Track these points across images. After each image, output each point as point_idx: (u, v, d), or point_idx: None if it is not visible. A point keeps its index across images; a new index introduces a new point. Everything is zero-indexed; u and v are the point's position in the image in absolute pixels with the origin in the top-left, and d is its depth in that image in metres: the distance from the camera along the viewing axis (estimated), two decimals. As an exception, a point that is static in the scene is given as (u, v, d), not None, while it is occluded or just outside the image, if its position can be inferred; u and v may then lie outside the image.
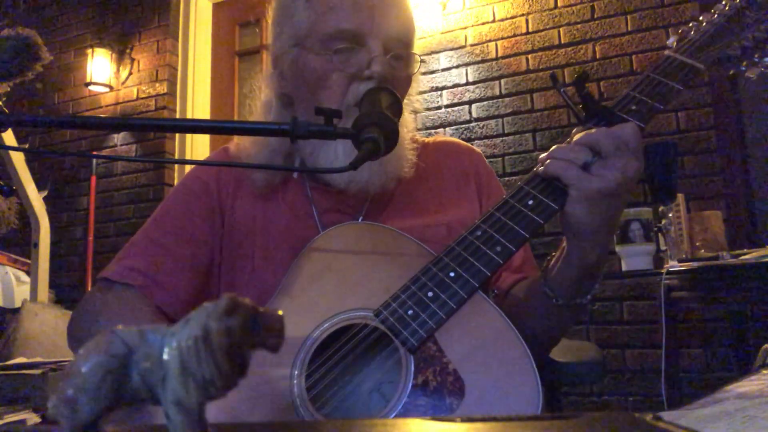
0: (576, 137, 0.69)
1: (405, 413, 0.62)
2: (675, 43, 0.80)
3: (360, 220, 0.88)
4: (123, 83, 3.30)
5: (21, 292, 2.58)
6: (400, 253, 0.77)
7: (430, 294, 0.68)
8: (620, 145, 0.65)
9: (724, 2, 0.81)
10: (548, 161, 0.69)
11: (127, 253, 0.87)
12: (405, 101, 0.90)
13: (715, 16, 0.81)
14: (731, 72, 0.80)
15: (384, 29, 0.83)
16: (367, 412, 0.69)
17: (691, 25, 0.82)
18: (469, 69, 2.67)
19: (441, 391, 0.63)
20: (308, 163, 0.88)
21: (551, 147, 0.70)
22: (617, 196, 0.67)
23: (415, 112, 0.98)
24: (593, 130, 0.68)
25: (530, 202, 0.70)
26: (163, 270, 0.84)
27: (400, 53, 0.85)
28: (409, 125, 0.95)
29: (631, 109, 0.73)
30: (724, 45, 0.78)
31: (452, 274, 0.69)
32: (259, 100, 0.94)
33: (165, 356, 0.28)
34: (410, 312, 0.68)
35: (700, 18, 0.81)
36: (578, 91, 0.73)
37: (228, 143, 0.99)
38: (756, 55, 0.78)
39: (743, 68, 0.79)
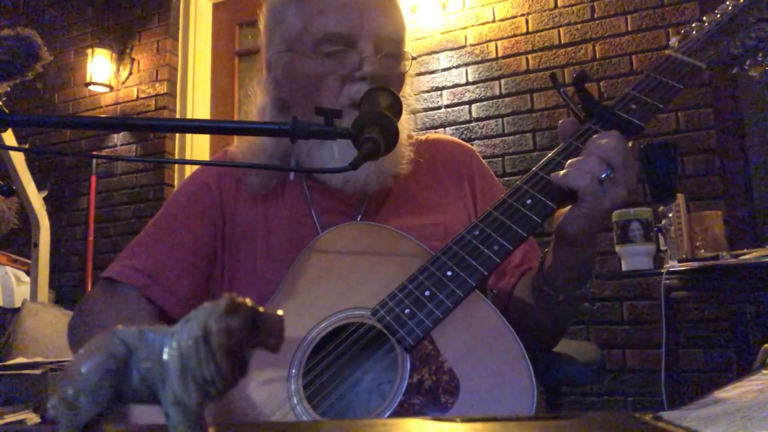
0: (589, 146, 0.69)
1: (400, 411, 0.62)
2: (677, 43, 0.80)
3: (359, 219, 0.88)
4: (123, 83, 3.30)
5: (21, 292, 2.57)
6: (398, 252, 0.77)
7: (427, 293, 0.68)
8: (627, 159, 0.66)
9: (727, 2, 0.81)
10: (568, 171, 0.68)
11: (129, 253, 0.87)
12: None
13: (718, 16, 0.81)
14: (734, 71, 0.80)
15: (374, 29, 0.83)
16: (363, 409, 0.69)
17: (694, 25, 0.82)
18: (469, 69, 2.67)
19: (436, 390, 0.63)
20: (304, 164, 0.89)
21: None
22: (617, 209, 0.69)
23: (413, 111, 0.98)
24: (604, 141, 0.68)
25: (528, 202, 0.70)
26: (164, 270, 0.84)
27: (391, 52, 0.86)
28: (405, 124, 0.95)
29: (630, 108, 0.73)
30: (727, 44, 0.78)
31: (449, 273, 0.69)
32: (254, 105, 0.95)
33: (165, 356, 0.28)
34: (407, 311, 0.68)
35: (704, 18, 0.82)
36: (577, 91, 0.73)
37: (228, 145, 0.99)
38: (759, 54, 0.78)
39: (746, 67, 0.79)
